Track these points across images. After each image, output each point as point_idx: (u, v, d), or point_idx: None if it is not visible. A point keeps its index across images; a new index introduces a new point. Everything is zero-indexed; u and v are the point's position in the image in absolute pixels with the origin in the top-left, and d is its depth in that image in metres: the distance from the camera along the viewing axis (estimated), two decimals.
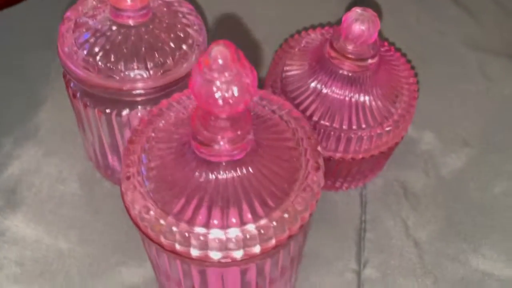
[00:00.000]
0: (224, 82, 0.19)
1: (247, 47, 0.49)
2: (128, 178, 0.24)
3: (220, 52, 0.19)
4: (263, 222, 0.23)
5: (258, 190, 0.23)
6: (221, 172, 0.23)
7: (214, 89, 0.19)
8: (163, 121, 0.26)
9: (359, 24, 0.32)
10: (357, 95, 0.35)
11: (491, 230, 0.39)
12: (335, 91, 0.35)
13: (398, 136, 0.37)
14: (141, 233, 0.24)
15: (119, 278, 0.36)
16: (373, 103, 0.36)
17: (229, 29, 0.52)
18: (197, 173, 0.23)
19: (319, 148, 0.25)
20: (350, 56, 0.34)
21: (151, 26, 0.31)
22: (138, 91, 0.31)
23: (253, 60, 0.46)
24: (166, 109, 0.26)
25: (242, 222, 0.23)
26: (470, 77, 0.49)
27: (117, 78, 0.30)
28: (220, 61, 0.19)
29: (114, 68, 0.30)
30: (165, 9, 0.33)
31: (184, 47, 0.32)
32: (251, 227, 0.23)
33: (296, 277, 0.35)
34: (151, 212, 0.23)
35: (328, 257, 0.37)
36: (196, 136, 0.23)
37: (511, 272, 0.36)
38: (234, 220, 0.23)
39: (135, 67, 0.31)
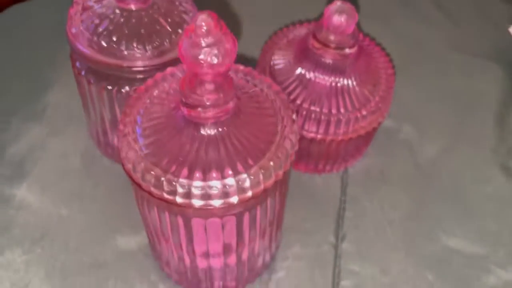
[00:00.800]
0: (207, 45, 0.22)
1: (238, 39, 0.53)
2: (124, 135, 0.27)
3: (204, 20, 0.22)
4: (241, 176, 0.26)
5: (238, 149, 0.27)
6: (206, 132, 0.26)
7: (199, 51, 0.23)
8: (157, 90, 0.29)
9: (338, 15, 0.36)
10: (338, 82, 0.39)
11: (461, 212, 0.42)
12: (318, 78, 0.39)
13: (375, 122, 0.40)
14: (134, 185, 0.27)
15: (114, 244, 0.39)
16: (353, 89, 0.39)
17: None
18: (184, 133, 0.27)
19: (294, 116, 0.29)
20: (331, 45, 0.38)
21: (150, 11, 0.35)
22: (137, 69, 0.34)
23: (243, 50, 0.49)
24: (161, 80, 0.30)
25: (223, 176, 0.26)
26: (449, 75, 0.52)
27: (118, 56, 0.34)
28: (204, 28, 0.22)
29: (116, 47, 0.34)
30: None
31: (179, 31, 0.36)
32: (230, 180, 0.26)
33: (276, 246, 0.38)
34: (142, 164, 0.26)
35: (308, 231, 0.40)
36: (184, 99, 0.26)
37: (476, 249, 0.39)
38: (214, 175, 0.26)
39: (135, 46, 0.34)
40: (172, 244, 0.31)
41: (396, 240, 0.40)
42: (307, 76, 0.39)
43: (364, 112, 0.39)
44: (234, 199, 0.26)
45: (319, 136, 0.40)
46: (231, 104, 0.26)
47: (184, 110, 0.26)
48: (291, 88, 0.39)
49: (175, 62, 0.35)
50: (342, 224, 0.41)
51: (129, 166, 0.27)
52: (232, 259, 0.32)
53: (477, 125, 0.48)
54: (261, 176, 0.26)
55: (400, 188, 0.43)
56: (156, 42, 0.34)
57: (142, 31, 0.34)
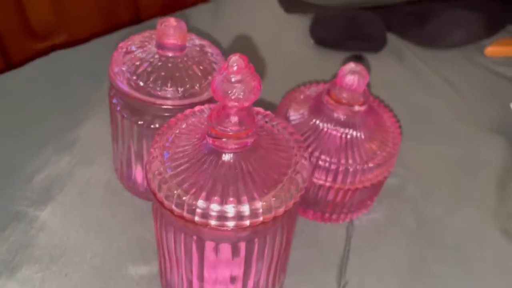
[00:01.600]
0: (236, 81, 0.26)
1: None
2: (153, 158, 0.30)
3: (236, 60, 0.26)
4: (254, 202, 0.29)
5: (254, 178, 0.29)
6: (226, 161, 0.30)
7: (229, 86, 0.26)
8: (185, 123, 0.33)
9: (351, 75, 0.40)
10: (347, 135, 0.42)
11: (461, 272, 0.43)
12: (329, 131, 0.42)
13: (381, 175, 0.43)
14: (156, 204, 0.30)
15: (126, 271, 0.41)
16: (361, 143, 0.42)
17: None
18: (207, 161, 0.30)
19: (306, 154, 0.32)
20: (343, 101, 0.41)
21: (185, 59, 0.40)
22: (167, 107, 0.38)
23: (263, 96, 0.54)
24: (190, 115, 0.34)
25: (238, 201, 0.29)
26: (454, 142, 0.56)
27: (152, 94, 0.38)
28: (235, 66, 0.26)
29: (151, 86, 0.38)
30: (197, 48, 0.41)
31: (209, 77, 0.40)
32: (244, 205, 0.28)
33: (280, 286, 0.39)
34: (167, 184, 0.29)
35: (311, 276, 0.42)
36: (210, 130, 0.29)
37: None
38: (231, 199, 0.29)
39: (168, 87, 0.38)
40: (183, 268, 0.33)
41: None
42: (320, 128, 0.43)
43: (370, 165, 0.42)
44: (246, 222, 0.28)
45: (327, 184, 0.42)
46: (250, 137, 0.30)
47: (209, 140, 0.30)
48: (304, 138, 0.43)
49: (202, 103, 0.39)
50: (344, 273, 0.42)
51: (154, 185, 0.30)
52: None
53: (480, 189, 0.50)
54: (272, 204, 0.29)
55: (403, 243, 0.45)
56: (187, 85, 0.39)
57: (177, 74, 0.39)
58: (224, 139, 0.29)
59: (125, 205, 0.46)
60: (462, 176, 0.52)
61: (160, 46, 0.39)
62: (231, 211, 0.28)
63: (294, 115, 0.44)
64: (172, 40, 0.39)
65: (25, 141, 0.50)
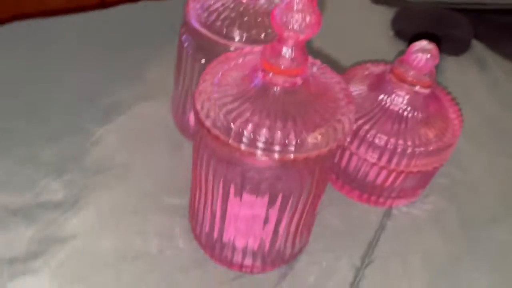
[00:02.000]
0: (297, 11, 0.26)
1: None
2: (203, 81, 0.31)
3: None
4: (301, 136, 0.29)
5: (301, 115, 0.30)
6: (277, 95, 0.30)
7: (288, 16, 0.27)
8: (241, 59, 0.33)
9: (421, 53, 0.39)
10: (406, 116, 0.41)
11: (494, 282, 0.40)
12: (389, 111, 0.41)
13: (430, 165, 0.41)
14: (202, 130, 0.30)
15: (161, 200, 0.42)
16: (421, 127, 0.41)
17: None
18: (256, 93, 0.30)
19: (352, 107, 0.31)
20: (408, 79, 0.40)
21: (257, 7, 0.40)
22: (232, 48, 0.39)
23: None
24: (245, 53, 0.34)
25: (284, 134, 0.29)
26: None
27: (220, 33, 0.39)
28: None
29: (219, 25, 0.39)
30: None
31: None
32: (291, 138, 0.29)
33: (302, 243, 0.39)
34: (215, 111, 0.30)
35: (336, 248, 0.41)
36: (262, 64, 0.30)
37: None
38: (278, 132, 0.29)
39: (235, 30, 0.39)
40: (210, 201, 0.34)
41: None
42: (379, 106, 0.41)
43: (422, 149, 0.40)
44: (290, 155, 0.29)
45: (379, 164, 0.41)
46: (300, 77, 0.30)
47: (260, 74, 0.30)
48: (362, 115, 0.41)
49: None
50: (371, 253, 0.41)
51: (202, 113, 0.30)
52: (258, 229, 0.34)
53: None
54: (317, 142, 0.29)
55: (440, 243, 0.43)
56: (253, 31, 0.39)
57: (245, 19, 0.39)
58: (273, 74, 0.29)
59: (173, 143, 0.48)
60: None
61: None
62: (277, 142, 0.28)
63: (354, 89, 0.43)
64: None
65: (100, 71, 0.54)
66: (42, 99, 0.49)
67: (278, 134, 0.29)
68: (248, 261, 0.37)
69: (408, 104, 0.41)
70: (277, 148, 0.29)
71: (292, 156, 0.29)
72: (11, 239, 0.38)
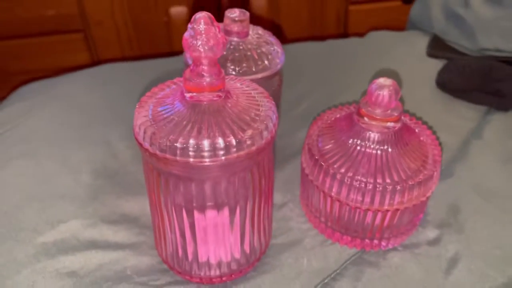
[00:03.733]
0: (201, 35, 0.31)
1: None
2: (139, 115, 0.35)
3: (201, 16, 0.31)
4: (237, 138, 0.32)
5: (227, 122, 0.33)
6: (207, 109, 0.34)
7: (197, 38, 0.31)
8: (168, 88, 0.37)
9: (381, 90, 0.39)
10: (383, 154, 0.40)
11: None
12: (366, 151, 0.41)
13: (422, 195, 0.40)
14: (152, 158, 0.34)
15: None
16: (398, 161, 0.40)
17: None
18: (190, 112, 0.34)
19: (271, 104, 0.35)
20: (376, 118, 0.40)
21: (246, 44, 0.46)
22: None
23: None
24: (172, 83, 0.38)
25: (213, 141, 0.32)
26: None
27: None
28: (202, 21, 0.31)
29: None
30: (258, 37, 0.47)
31: (265, 61, 0.45)
32: (231, 141, 0.32)
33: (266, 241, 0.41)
34: (150, 131, 0.34)
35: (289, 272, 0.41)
36: (186, 86, 0.34)
37: None
38: (206, 140, 0.32)
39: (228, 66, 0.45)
40: (172, 221, 0.37)
41: None
42: (355, 149, 0.41)
43: (410, 183, 0.39)
44: (222, 158, 0.32)
45: (364, 207, 0.40)
46: (222, 89, 0.34)
47: (188, 96, 0.34)
48: (341, 161, 0.41)
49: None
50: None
51: (146, 143, 0.34)
52: (226, 237, 0.37)
53: None
54: (245, 142, 0.32)
55: None
56: (244, 65, 0.45)
57: (236, 54, 0.45)
58: (198, 93, 0.34)
59: None
60: None
61: (226, 31, 0.46)
62: (208, 148, 0.32)
63: (325, 140, 0.43)
64: (236, 27, 0.45)
65: None
66: None
67: (219, 139, 0.32)
68: (224, 270, 0.40)
69: (381, 141, 0.41)
70: (220, 152, 0.32)
71: (235, 155, 0.33)
72: None
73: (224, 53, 0.45)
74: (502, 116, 0.59)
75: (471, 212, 0.46)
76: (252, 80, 0.45)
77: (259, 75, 0.45)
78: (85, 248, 0.42)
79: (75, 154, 0.53)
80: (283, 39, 0.97)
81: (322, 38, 0.84)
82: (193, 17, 0.32)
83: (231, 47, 0.46)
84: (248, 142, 0.33)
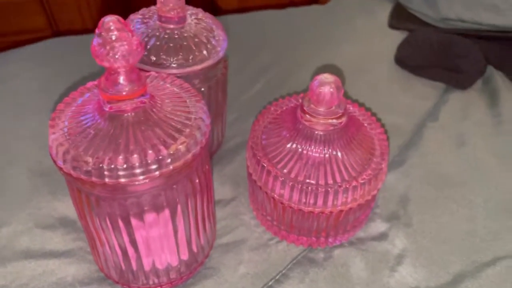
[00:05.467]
0: (112, 42, 0.27)
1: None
2: (53, 135, 0.31)
3: (110, 20, 0.28)
4: (161, 153, 0.30)
5: (156, 132, 0.30)
6: (131, 119, 0.30)
7: (106, 47, 0.28)
8: (81, 99, 0.33)
9: (324, 86, 0.36)
10: (331, 152, 0.38)
11: None
12: (311, 150, 0.38)
13: (368, 194, 0.39)
14: (77, 182, 0.30)
15: None
16: (346, 159, 0.38)
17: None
18: (111, 125, 0.31)
19: (201, 104, 0.33)
20: (319, 117, 0.38)
21: (182, 31, 0.42)
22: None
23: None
24: (84, 91, 0.34)
25: (144, 154, 0.29)
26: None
27: (147, 62, 0.42)
28: (112, 27, 0.27)
29: (146, 54, 0.41)
30: (196, 22, 0.43)
31: (203, 51, 0.42)
32: (164, 153, 0.30)
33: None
34: (71, 155, 0.30)
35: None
36: (104, 98, 0.30)
37: None
38: (135, 155, 0.29)
39: (162, 56, 0.41)
40: (113, 236, 0.35)
41: None
42: (300, 149, 0.39)
43: (354, 183, 0.37)
44: (156, 173, 0.30)
45: (316, 210, 0.38)
46: (144, 96, 0.31)
47: (107, 107, 0.31)
48: (284, 162, 0.39)
49: (195, 72, 0.42)
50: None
51: (67, 166, 0.30)
52: (172, 243, 0.35)
53: None
54: (182, 150, 0.30)
55: None
56: (180, 56, 0.41)
57: (171, 45, 0.41)
58: (118, 102, 0.30)
59: None
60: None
61: (160, 18, 0.42)
62: (138, 164, 0.29)
63: (270, 139, 0.41)
64: (171, 13, 0.41)
65: None
66: None
67: (150, 153, 0.29)
68: (163, 279, 0.38)
69: (326, 139, 0.38)
70: (154, 166, 0.29)
71: (171, 167, 0.30)
72: None
73: (158, 43, 0.41)
74: (460, 94, 0.57)
75: (420, 204, 0.45)
76: (192, 72, 0.42)
77: (198, 67, 0.42)
78: (17, 258, 0.40)
79: (6, 149, 0.50)
80: (247, 8, 0.92)
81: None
82: (101, 21, 0.28)
83: (166, 36, 0.42)
84: (172, 157, 0.30)
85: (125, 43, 0.28)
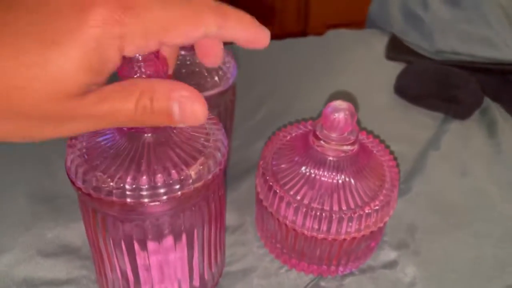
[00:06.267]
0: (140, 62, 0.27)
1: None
2: (72, 154, 0.31)
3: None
4: (182, 173, 0.29)
5: (172, 156, 0.30)
6: (143, 142, 0.30)
7: (134, 68, 0.27)
8: None
9: (337, 113, 0.37)
10: (343, 178, 0.38)
11: None
12: (323, 176, 0.39)
13: (380, 221, 0.38)
14: (94, 202, 0.30)
15: None
16: (354, 186, 0.38)
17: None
18: (128, 143, 0.31)
19: (222, 138, 0.32)
20: (331, 142, 0.38)
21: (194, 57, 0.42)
22: None
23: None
24: None
25: (167, 173, 0.29)
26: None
27: None
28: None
29: None
30: None
31: (215, 77, 0.42)
32: (172, 177, 0.29)
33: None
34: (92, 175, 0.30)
35: None
36: None
37: None
38: (159, 175, 0.29)
39: None
40: (116, 261, 0.34)
41: None
42: (312, 175, 0.38)
43: (367, 210, 0.37)
44: (178, 193, 0.29)
45: (320, 236, 0.38)
46: None
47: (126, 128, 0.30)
48: (296, 188, 0.38)
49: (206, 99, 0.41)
50: None
51: (86, 186, 0.30)
52: (173, 273, 0.34)
53: None
54: (193, 177, 0.30)
55: None
56: (192, 82, 0.41)
57: (183, 71, 0.42)
58: None
59: None
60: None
61: None
62: (161, 184, 0.29)
63: (280, 163, 0.40)
64: None
65: None
66: None
67: (173, 173, 0.29)
68: None
69: (338, 166, 0.38)
70: (176, 186, 0.29)
71: (192, 187, 0.30)
72: None
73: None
74: (459, 124, 0.58)
75: (428, 232, 0.45)
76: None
77: (209, 93, 0.42)
78: (18, 286, 0.38)
79: (6, 173, 0.48)
80: None
81: (282, 35, 0.82)
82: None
83: (178, 62, 0.42)
84: (194, 177, 0.30)
85: (150, 64, 0.28)
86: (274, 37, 0.81)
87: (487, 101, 0.60)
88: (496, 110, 0.59)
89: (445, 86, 0.60)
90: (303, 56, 0.73)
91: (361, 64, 0.70)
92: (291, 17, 0.99)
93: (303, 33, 0.87)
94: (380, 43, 0.75)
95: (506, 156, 0.54)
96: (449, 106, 0.59)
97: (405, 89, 0.61)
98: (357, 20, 0.90)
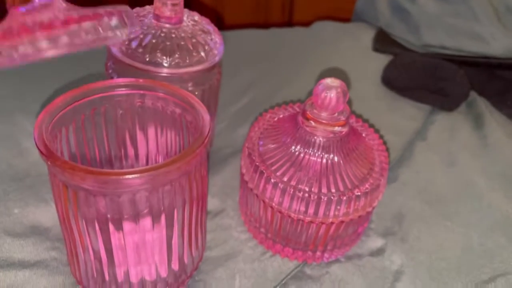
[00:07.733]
0: None
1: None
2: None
3: None
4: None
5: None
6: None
7: None
8: None
9: (329, 91, 0.35)
10: (333, 159, 0.37)
11: None
12: (312, 155, 0.37)
13: (369, 205, 0.37)
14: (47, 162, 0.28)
15: None
16: (344, 169, 0.37)
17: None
18: None
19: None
20: (322, 122, 0.36)
21: (179, 31, 0.40)
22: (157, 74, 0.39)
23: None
24: None
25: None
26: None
27: (142, 60, 0.39)
28: None
29: (140, 51, 0.39)
30: (193, 23, 0.42)
31: (201, 52, 0.40)
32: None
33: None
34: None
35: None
36: None
37: None
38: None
39: (159, 55, 0.39)
40: (89, 242, 0.32)
41: None
42: (299, 156, 0.37)
43: (357, 193, 0.36)
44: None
45: (307, 219, 0.36)
46: None
47: None
48: (283, 169, 0.37)
49: (189, 75, 0.40)
50: None
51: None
52: (151, 254, 0.32)
53: None
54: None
55: None
56: (176, 55, 0.39)
57: (168, 44, 0.39)
58: None
59: None
60: None
61: (156, 16, 0.40)
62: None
63: (267, 144, 0.39)
64: (167, 12, 0.39)
65: None
66: None
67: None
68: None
69: (327, 147, 0.37)
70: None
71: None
72: None
73: (154, 41, 0.39)
74: (446, 116, 0.58)
75: (415, 220, 0.44)
76: (187, 73, 0.40)
77: (194, 68, 0.40)
78: None
79: None
80: (224, 26, 0.92)
81: (266, 25, 0.80)
82: None
83: (162, 34, 0.40)
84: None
85: None
86: (252, 26, 0.80)
87: (473, 94, 0.60)
88: (482, 103, 0.59)
89: (433, 78, 0.59)
90: (289, 45, 0.71)
91: (347, 54, 0.69)
92: (276, 10, 0.97)
93: (289, 26, 0.86)
94: (367, 35, 0.74)
95: (492, 148, 0.53)
96: (436, 98, 0.58)
97: (392, 81, 0.60)
98: (343, 16, 0.89)
